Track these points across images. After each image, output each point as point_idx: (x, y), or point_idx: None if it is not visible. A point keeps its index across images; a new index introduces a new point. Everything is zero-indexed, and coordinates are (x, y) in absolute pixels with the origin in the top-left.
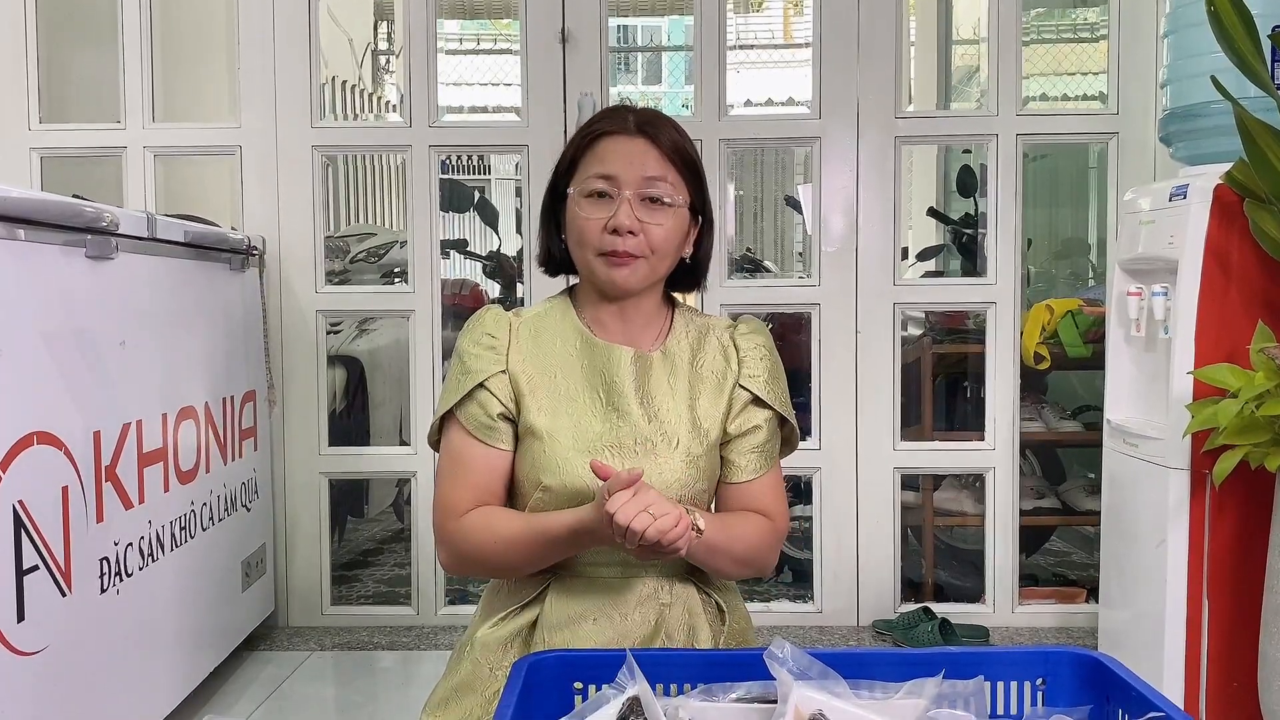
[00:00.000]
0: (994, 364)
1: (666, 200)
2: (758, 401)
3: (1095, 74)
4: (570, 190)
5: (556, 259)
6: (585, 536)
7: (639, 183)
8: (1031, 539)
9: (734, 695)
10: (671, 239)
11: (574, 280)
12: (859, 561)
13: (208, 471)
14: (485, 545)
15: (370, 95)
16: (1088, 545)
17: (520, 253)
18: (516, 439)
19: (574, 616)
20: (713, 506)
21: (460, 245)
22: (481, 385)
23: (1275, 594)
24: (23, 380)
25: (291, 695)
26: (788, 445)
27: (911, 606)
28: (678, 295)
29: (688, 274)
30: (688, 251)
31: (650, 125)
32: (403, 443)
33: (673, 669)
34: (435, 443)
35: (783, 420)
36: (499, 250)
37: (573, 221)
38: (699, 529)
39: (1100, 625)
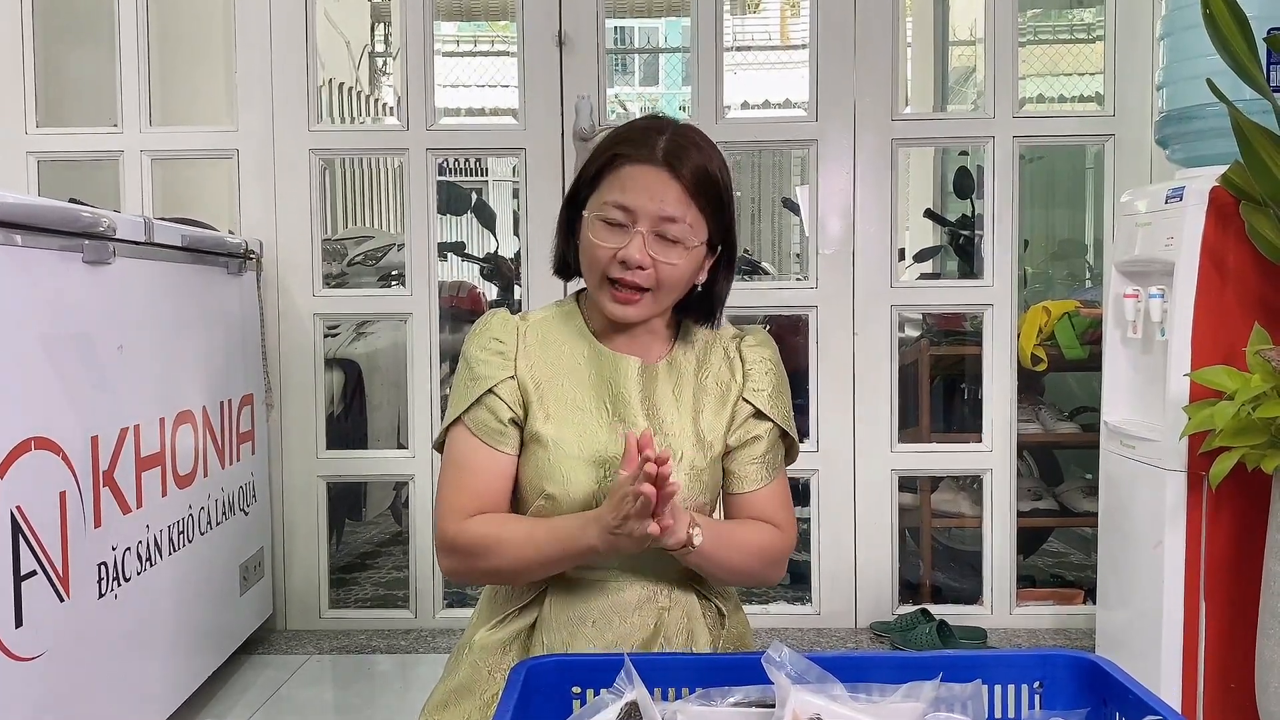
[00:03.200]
0: (991, 366)
1: (681, 240)
2: (760, 414)
3: (1091, 74)
4: (587, 211)
5: (571, 266)
6: (593, 529)
7: (655, 219)
8: (1029, 540)
9: (732, 699)
10: (682, 277)
11: (582, 285)
12: (857, 563)
13: (205, 475)
14: (491, 546)
15: (367, 98)
16: (1085, 546)
17: (518, 255)
18: (522, 444)
19: (573, 620)
20: (720, 517)
21: (458, 248)
22: (491, 391)
23: (1272, 596)
24: (20, 386)
25: (290, 699)
26: (788, 457)
27: (909, 608)
28: None
29: (701, 302)
30: (701, 279)
31: (676, 157)
32: (400, 446)
33: (671, 673)
34: (441, 447)
35: (784, 431)
36: (496, 252)
37: (585, 244)
38: (693, 545)
39: (1098, 626)
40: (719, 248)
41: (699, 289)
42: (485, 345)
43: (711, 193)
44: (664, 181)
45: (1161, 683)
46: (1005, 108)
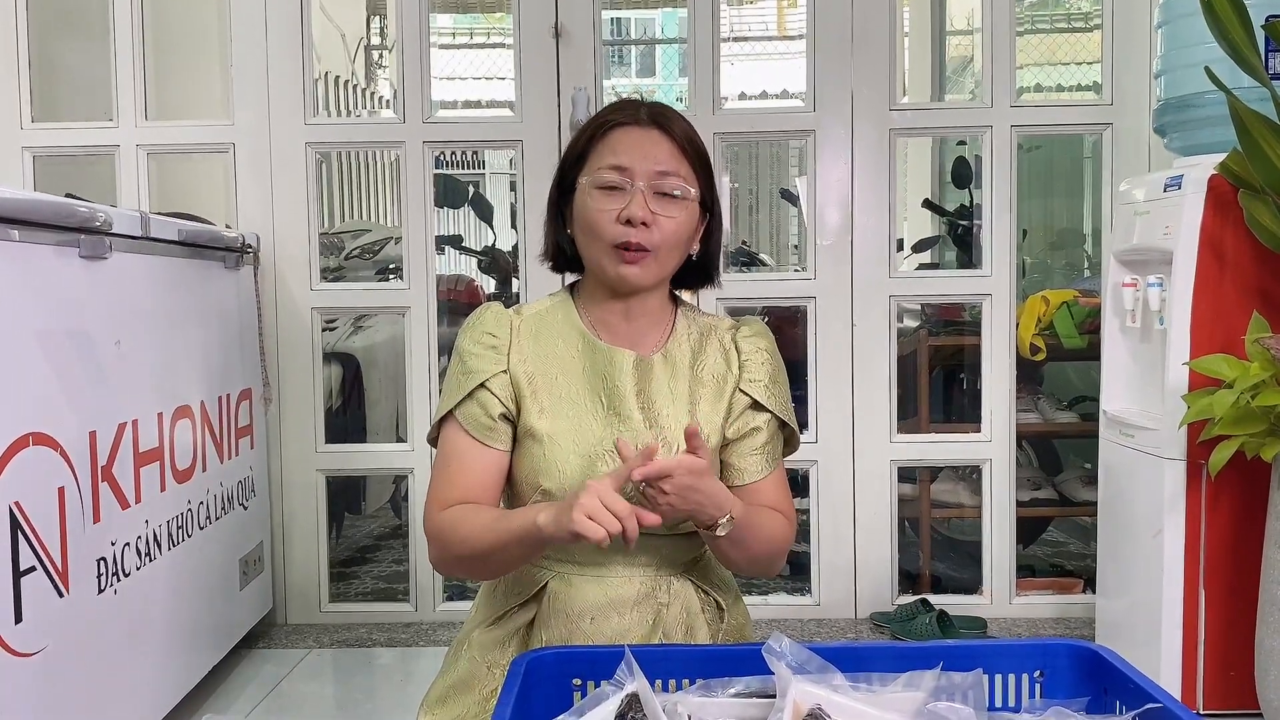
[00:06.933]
0: (990, 356)
1: (679, 193)
2: (757, 406)
3: (1089, 64)
4: (581, 180)
5: (566, 255)
6: (551, 529)
7: (652, 174)
8: (1028, 530)
9: (732, 690)
10: (682, 233)
11: (575, 277)
12: (856, 554)
13: (204, 470)
14: (459, 534)
15: (363, 91)
16: (1085, 536)
17: (515, 247)
18: (515, 439)
19: (571, 616)
20: None
21: (455, 241)
22: (483, 385)
23: (1271, 584)
24: (18, 381)
25: (290, 693)
26: (788, 446)
27: (909, 599)
28: (684, 294)
29: (697, 270)
30: (695, 248)
31: (662, 117)
32: (399, 439)
33: (671, 665)
34: (434, 440)
35: (784, 422)
36: (494, 245)
37: (583, 213)
38: (716, 533)
39: (1097, 615)
40: (708, 214)
41: (693, 259)
42: (478, 339)
43: (699, 151)
44: (655, 139)
45: (1161, 671)
46: (1003, 97)
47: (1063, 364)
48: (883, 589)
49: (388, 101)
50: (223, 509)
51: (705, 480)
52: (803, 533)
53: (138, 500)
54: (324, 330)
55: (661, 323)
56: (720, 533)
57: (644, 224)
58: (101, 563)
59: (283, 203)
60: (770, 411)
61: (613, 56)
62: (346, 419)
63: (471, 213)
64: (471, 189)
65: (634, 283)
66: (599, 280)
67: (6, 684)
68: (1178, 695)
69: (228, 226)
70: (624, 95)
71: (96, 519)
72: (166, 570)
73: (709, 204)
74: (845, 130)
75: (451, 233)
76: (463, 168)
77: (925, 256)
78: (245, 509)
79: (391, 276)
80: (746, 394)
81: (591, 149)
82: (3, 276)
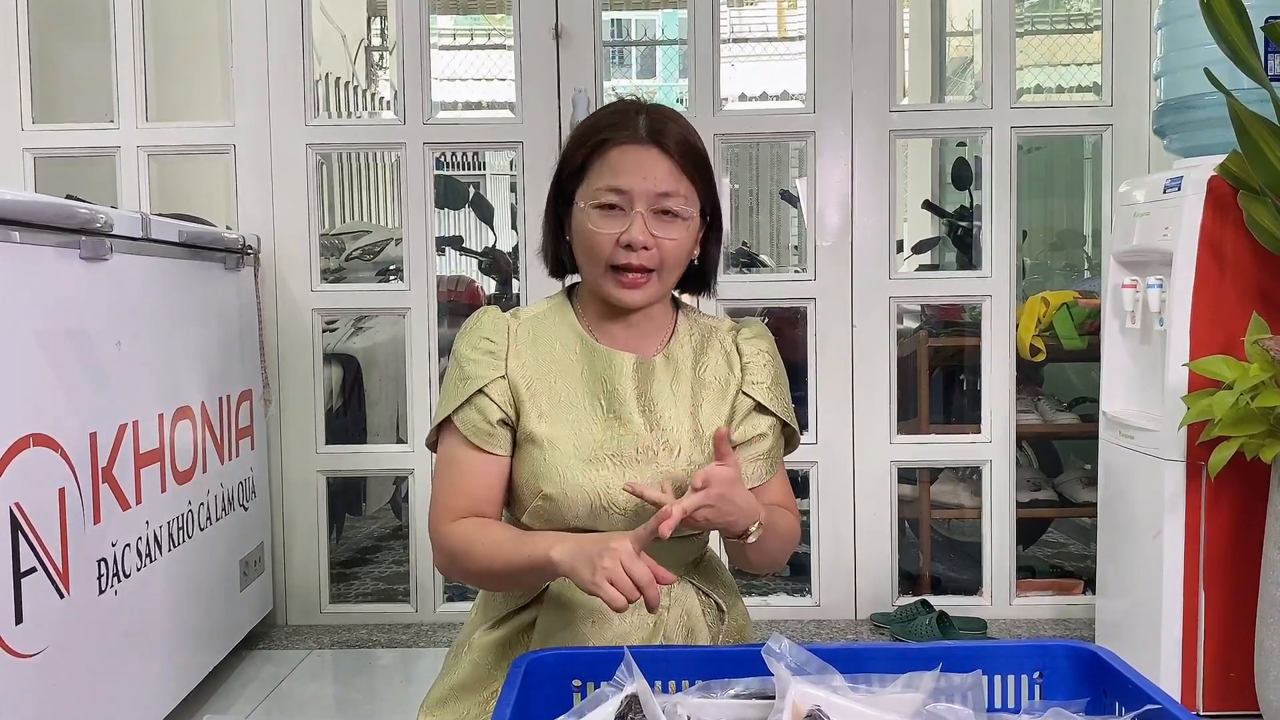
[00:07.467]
0: (990, 357)
1: (679, 212)
2: (760, 408)
3: (1089, 65)
4: (579, 201)
5: (565, 263)
6: (566, 569)
7: (652, 197)
8: (1028, 531)
9: (732, 691)
10: (684, 251)
11: (575, 278)
12: (856, 555)
13: (205, 471)
14: (471, 553)
15: (364, 92)
16: (1085, 536)
17: (515, 249)
18: (515, 444)
19: (572, 619)
20: None
21: (456, 242)
22: (480, 391)
23: (1271, 584)
24: (18, 382)
25: (290, 694)
26: (789, 446)
27: (909, 599)
28: (683, 297)
29: (696, 275)
30: (695, 253)
31: (661, 133)
32: (400, 440)
33: (671, 666)
34: (433, 445)
35: (785, 422)
36: (494, 246)
37: (582, 234)
38: (746, 540)
39: (1097, 616)
40: (707, 218)
41: (694, 263)
42: (475, 344)
43: (699, 162)
44: (654, 158)
45: (1161, 671)
46: (1003, 98)
47: (1062, 365)
48: (883, 590)
49: (388, 103)
50: (223, 510)
51: (737, 490)
52: (803, 533)
53: (138, 501)
54: (324, 331)
55: (663, 327)
56: (751, 539)
57: (645, 247)
58: (102, 563)
59: (283, 204)
60: (774, 415)
61: (613, 57)
62: (347, 420)
63: (472, 214)
64: (472, 190)
65: (634, 305)
66: (600, 297)
67: (6, 684)
68: (1177, 696)
69: (228, 228)
70: (622, 96)
71: (97, 520)
72: (167, 571)
73: (709, 209)
74: (845, 131)
75: (452, 234)
76: (463, 169)
77: (925, 258)
78: (246, 510)
79: (392, 278)
80: (750, 396)
81: (589, 166)
82: (4, 278)
